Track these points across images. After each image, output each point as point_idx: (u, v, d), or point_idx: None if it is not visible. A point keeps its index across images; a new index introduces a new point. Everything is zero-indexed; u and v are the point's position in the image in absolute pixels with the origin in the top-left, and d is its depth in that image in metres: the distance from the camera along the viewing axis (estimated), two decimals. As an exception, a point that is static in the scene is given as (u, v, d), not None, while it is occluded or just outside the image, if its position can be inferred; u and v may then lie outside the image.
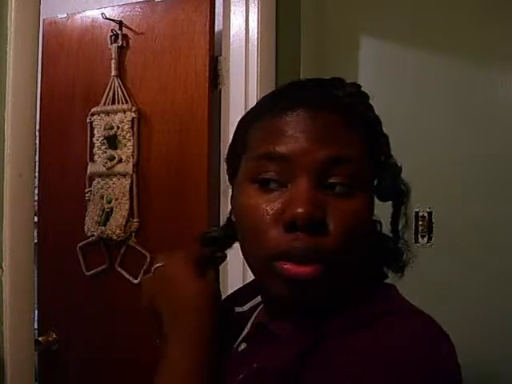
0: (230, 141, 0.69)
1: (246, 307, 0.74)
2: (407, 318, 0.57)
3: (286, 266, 0.56)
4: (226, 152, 0.69)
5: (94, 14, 1.85)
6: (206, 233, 0.74)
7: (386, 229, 0.68)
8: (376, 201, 0.64)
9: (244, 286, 0.79)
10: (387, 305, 0.59)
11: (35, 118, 1.29)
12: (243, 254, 0.63)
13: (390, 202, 0.66)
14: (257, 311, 0.71)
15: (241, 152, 0.64)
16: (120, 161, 1.74)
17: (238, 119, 0.68)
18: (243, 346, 0.66)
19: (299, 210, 0.54)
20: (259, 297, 0.72)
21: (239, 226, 0.63)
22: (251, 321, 0.70)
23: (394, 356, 0.52)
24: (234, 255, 0.72)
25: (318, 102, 0.60)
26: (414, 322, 0.57)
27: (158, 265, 0.68)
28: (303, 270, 0.55)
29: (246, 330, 0.69)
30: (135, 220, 1.74)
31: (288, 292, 0.57)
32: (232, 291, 0.80)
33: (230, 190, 0.68)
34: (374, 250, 0.65)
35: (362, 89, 0.64)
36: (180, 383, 0.60)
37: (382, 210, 0.67)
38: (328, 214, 0.56)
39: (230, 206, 0.68)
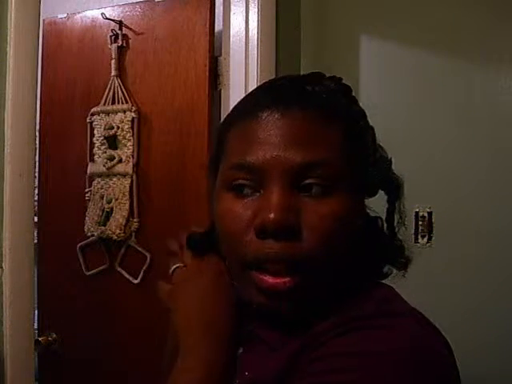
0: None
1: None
2: (401, 318, 0.55)
3: (261, 276, 0.54)
4: (208, 161, 0.67)
5: (94, 13, 1.85)
6: (193, 235, 0.70)
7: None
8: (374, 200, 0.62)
9: None
10: (380, 306, 0.57)
11: (35, 118, 1.28)
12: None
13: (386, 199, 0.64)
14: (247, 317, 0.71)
15: (218, 160, 0.62)
16: (120, 161, 1.74)
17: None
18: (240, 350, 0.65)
19: (269, 216, 0.53)
20: None
21: (219, 233, 0.61)
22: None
23: (389, 356, 0.50)
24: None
25: (290, 100, 0.56)
26: (408, 322, 0.55)
27: (175, 266, 0.66)
28: (277, 281, 0.54)
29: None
30: (135, 220, 1.74)
31: (266, 302, 0.56)
32: None
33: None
34: (372, 249, 0.63)
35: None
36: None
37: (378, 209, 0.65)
38: (302, 218, 0.54)
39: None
